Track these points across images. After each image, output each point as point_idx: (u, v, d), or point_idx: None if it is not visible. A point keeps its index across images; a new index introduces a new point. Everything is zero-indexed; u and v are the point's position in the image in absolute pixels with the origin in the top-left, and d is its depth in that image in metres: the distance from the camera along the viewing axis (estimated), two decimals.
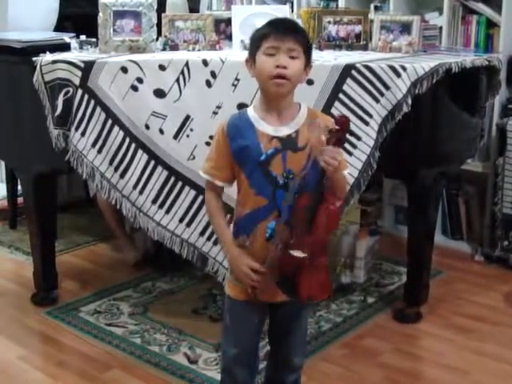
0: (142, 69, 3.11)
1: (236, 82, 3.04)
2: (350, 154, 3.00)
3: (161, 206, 3.17)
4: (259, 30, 2.20)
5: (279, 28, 2.15)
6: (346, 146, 2.98)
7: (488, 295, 3.77)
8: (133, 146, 3.15)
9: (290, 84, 2.14)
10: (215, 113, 3.05)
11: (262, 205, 2.19)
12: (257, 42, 2.17)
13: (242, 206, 2.25)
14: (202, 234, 3.13)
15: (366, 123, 2.99)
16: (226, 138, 2.22)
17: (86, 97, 3.14)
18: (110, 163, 3.17)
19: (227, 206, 2.49)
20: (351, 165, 3.00)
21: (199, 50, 3.44)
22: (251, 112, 2.22)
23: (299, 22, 3.73)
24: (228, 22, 3.62)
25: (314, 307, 3.48)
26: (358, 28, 3.59)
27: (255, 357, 2.41)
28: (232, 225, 2.30)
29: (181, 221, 3.16)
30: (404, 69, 2.99)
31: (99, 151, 3.17)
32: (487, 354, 3.18)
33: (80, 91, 3.14)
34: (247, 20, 3.54)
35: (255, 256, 2.22)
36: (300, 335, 2.39)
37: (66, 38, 3.47)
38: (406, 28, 3.51)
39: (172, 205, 3.15)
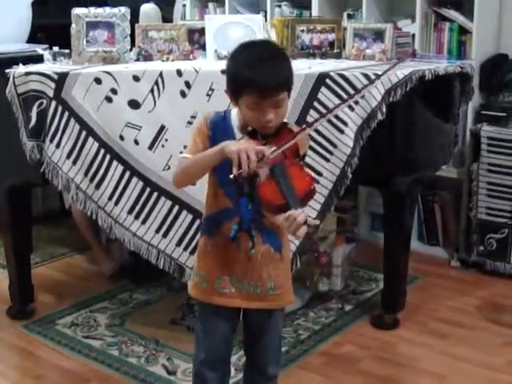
0: (116, 80, 3.10)
1: (210, 92, 3.04)
2: (327, 160, 3.02)
3: (137, 217, 3.16)
4: (239, 72, 2.10)
5: (263, 83, 2.05)
6: (323, 152, 3.01)
7: (464, 300, 3.79)
8: (108, 156, 3.14)
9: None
10: (190, 123, 3.05)
11: (226, 206, 2.20)
12: (237, 88, 2.11)
13: (210, 206, 2.26)
14: (178, 244, 3.13)
15: (341, 131, 3.00)
16: (209, 130, 2.19)
17: (60, 108, 3.14)
18: (85, 174, 3.17)
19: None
20: (329, 171, 3.04)
21: (173, 60, 3.44)
22: (234, 116, 2.20)
23: (273, 33, 3.74)
24: (202, 31, 3.61)
25: (292, 315, 3.48)
26: (332, 36, 3.60)
27: (225, 361, 2.41)
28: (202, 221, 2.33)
29: (157, 231, 3.15)
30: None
31: (74, 162, 3.17)
32: (464, 359, 3.20)
33: (54, 103, 3.13)
34: (221, 29, 3.55)
35: (218, 255, 2.24)
36: (272, 344, 2.38)
37: (39, 49, 3.46)
38: (379, 36, 3.52)
39: (148, 215, 3.15)
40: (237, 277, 2.24)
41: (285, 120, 2.17)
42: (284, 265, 2.30)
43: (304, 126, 2.17)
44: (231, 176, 2.01)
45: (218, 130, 2.19)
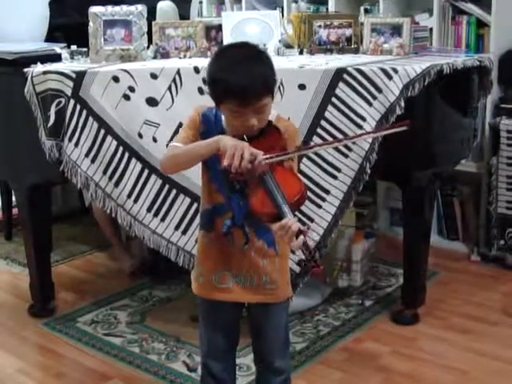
0: (133, 78, 3.11)
1: None
2: (346, 156, 3.01)
3: (156, 214, 3.17)
4: (216, 80, 2.09)
5: (241, 92, 2.02)
6: (342, 148, 3.00)
7: (485, 295, 3.77)
8: (126, 154, 3.15)
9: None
10: None
11: (219, 201, 2.21)
12: (216, 96, 2.11)
13: (205, 201, 2.28)
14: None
15: (360, 126, 2.98)
16: (201, 123, 2.20)
17: (78, 107, 3.15)
18: (104, 172, 3.18)
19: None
20: (348, 167, 3.03)
21: (190, 57, 3.45)
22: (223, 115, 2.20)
23: (289, 29, 3.73)
24: (219, 28, 3.62)
25: (312, 311, 3.47)
26: (349, 31, 3.59)
27: (228, 353, 2.43)
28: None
29: (176, 228, 3.16)
30: (396, 71, 2.99)
31: (93, 161, 3.18)
32: (486, 354, 3.18)
33: (72, 101, 3.14)
34: (238, 26, 3.55)
35: (215, 250, 2.26)
36: (275, 337, 2.38)
37: (57, 48, 3.47)
38: (396, 30, 3.51)
39: (167, 212, 3.16)
40: (234, 271, 2.26)
41: (270, 118, 2.15)
42: (280, 259, 2.30)
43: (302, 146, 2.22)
44: (222, 167, 2.02)
45: (209, 125, 2.20)
